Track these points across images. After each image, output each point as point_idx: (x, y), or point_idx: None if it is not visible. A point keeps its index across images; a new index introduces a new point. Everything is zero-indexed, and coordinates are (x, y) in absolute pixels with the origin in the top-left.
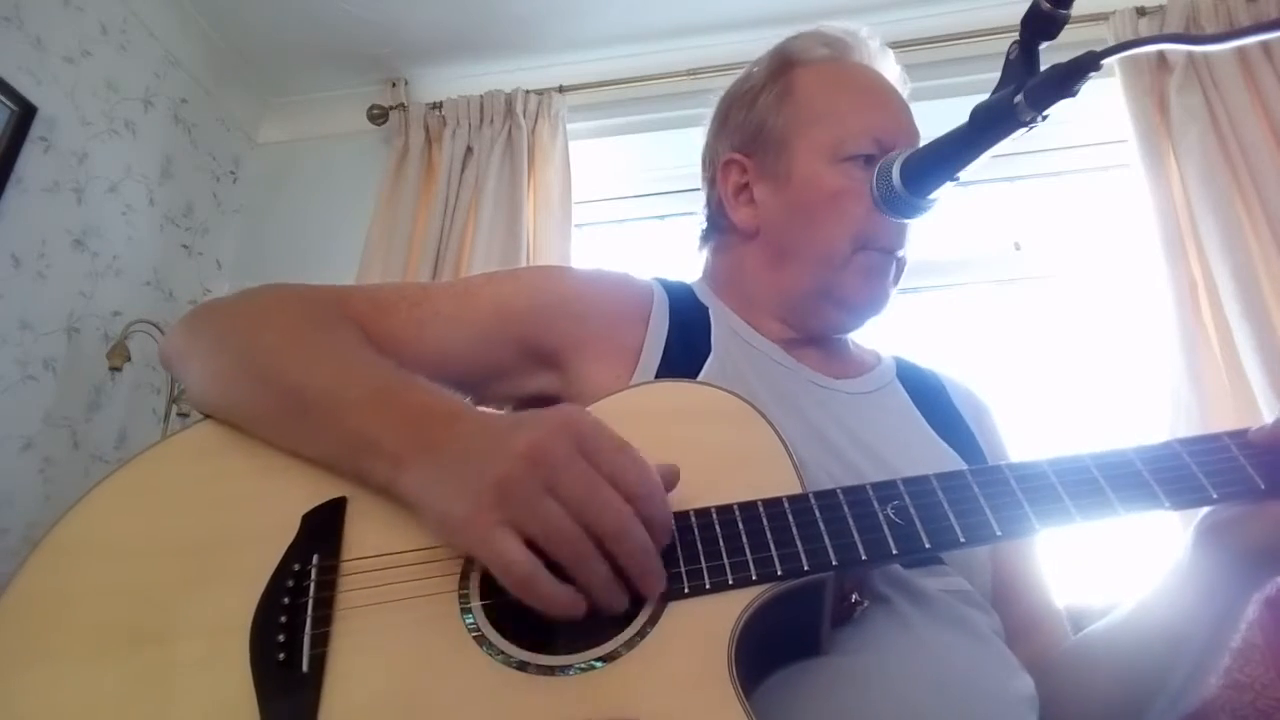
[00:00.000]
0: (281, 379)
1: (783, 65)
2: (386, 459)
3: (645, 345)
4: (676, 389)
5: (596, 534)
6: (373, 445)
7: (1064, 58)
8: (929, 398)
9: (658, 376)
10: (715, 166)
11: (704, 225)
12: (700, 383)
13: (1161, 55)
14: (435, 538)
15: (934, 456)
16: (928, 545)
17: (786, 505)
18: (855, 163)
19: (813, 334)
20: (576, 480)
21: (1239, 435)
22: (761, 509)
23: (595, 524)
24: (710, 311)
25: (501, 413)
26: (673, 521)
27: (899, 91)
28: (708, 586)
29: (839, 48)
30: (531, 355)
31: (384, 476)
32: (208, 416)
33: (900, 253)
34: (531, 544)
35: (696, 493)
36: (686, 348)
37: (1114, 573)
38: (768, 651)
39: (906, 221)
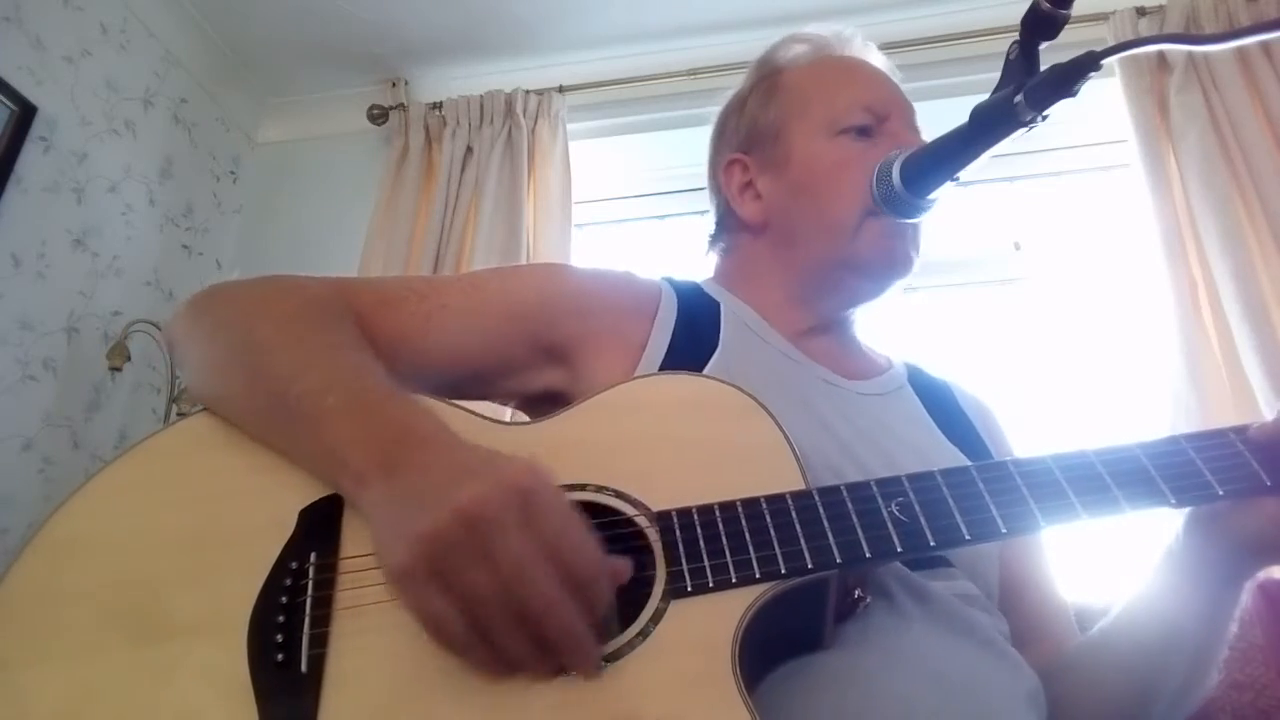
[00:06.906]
0: (268, 377)
1: (766, 70)
2: (351, 475)
3: (650, 340)
4: (679, 381)
5: (521, 610)
6: (341, 460)
7: (1064, 58)
8: (939, 403)
9: (661, 369)
10: (718, 172)
11: (713, 230)
12: (704, 376)
13: (1161, 55)
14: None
15: (944, 458)
16: (933, 543)
17: (790, 501)
18: (850, 134)
19: (833, 314)
20: (510, 551)
21: (1243, 431)
22: (765, 505)
23: (520, 600)
24: (721, 305)
25: (490, 430)
26: (607, 601)
27: (886, 73)
28: (710, 585)
29: (818, 43)
30: (540, 351)
31: (349, 491)
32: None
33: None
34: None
35: (698, 488)
36: (693, 342)
37: (1120, 573)
38: (771, 648)
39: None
